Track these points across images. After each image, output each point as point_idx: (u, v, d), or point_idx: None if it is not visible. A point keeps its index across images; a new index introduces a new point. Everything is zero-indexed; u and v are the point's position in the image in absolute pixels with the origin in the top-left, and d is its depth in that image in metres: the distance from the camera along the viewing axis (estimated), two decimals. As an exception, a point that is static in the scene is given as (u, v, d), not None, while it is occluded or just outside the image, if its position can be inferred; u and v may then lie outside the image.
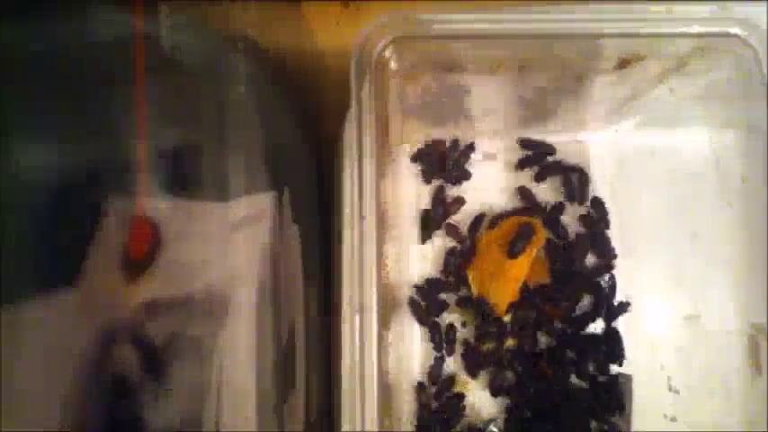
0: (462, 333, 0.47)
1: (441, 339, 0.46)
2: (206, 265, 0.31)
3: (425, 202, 0.49)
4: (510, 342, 0.46)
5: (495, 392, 0.46)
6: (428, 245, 0.49)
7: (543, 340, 0.47)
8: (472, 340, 0.46)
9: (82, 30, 0.29)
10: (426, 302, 0.47)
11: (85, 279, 0.27)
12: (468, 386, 0.46)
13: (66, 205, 0.28)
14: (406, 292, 0.47)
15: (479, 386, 0.46)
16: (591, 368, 0.46)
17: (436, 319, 0.47)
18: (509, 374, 0.46)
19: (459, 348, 0.47)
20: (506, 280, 0.45)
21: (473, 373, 0.46)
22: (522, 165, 0.50)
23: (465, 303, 0.47)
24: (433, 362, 0.46)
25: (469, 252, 0.47)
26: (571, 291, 0.47)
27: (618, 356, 0.46)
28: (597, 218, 0.49)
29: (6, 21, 0.27)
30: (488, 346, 0.46)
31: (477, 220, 0.49)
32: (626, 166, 0.50)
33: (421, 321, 0.47)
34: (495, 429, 0.45)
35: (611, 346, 0.46)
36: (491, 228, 0.48)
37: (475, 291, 0.46)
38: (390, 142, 0.45)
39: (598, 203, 0.49)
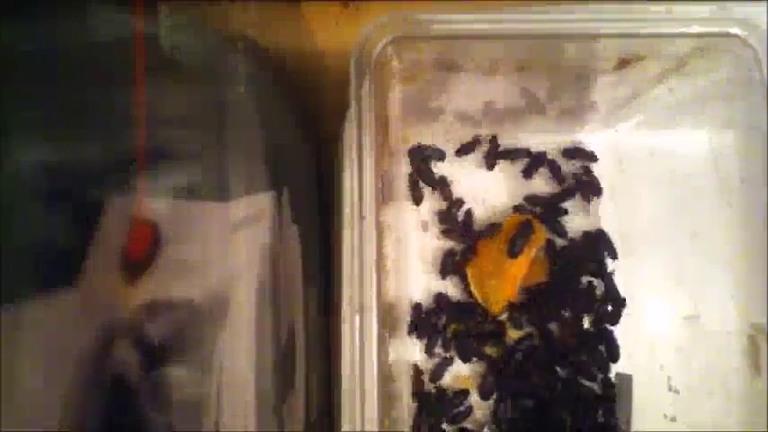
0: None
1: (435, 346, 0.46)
2: (206, 265, 0.31)
3: (425, 201, 0.49)
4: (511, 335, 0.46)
5: (484, 396, 0.46)
6: (428, 244, 0.49)
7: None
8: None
9: (82, 30, 0.29)
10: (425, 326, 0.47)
11: (85, 279, 0.27)
12: (470, 383, 0.46)
13: (66, 205, 0.28)
14: (406, 291, 0.47)
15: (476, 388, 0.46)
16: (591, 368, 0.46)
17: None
18: (500, 377, 0.46)
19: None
20: (505, 279, 0.45)
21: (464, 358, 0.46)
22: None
23: (463, 311, 0.47)
24: (437, 361, 0.46)
25: (469, 250, 0.47)
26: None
27: (614, 357, 0.46)
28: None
29: (6, 20, 0.27)
30: (491, 350, 0.46)
31: (468, 216, 0.49)
32: (626, 166, 0.50)
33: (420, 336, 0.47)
34: None
35: (608, 346, 0.46)
36: (491, 229, 0.48)
37: (473, 289, 0.46)
38: (390, 142, 0.45)
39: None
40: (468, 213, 0.49)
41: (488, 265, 0.46)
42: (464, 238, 0.48)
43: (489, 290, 0.45)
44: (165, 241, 0.29)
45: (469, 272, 0.47)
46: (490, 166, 0.50)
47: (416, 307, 0.47)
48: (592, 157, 0.50)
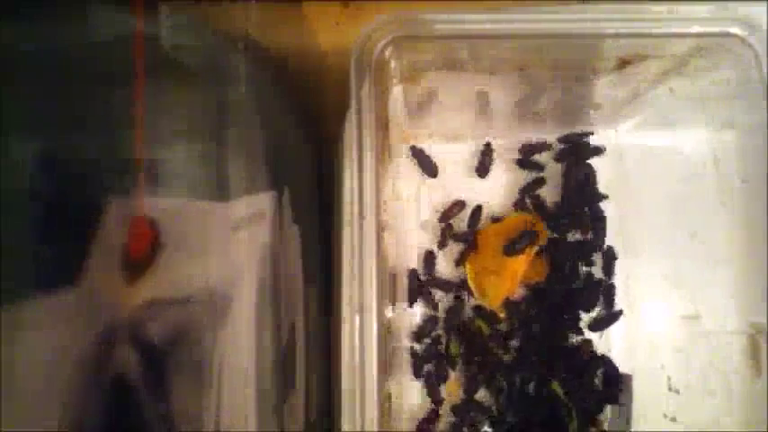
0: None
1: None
2: (206, 264, 0.31)
3: (425, 201, 0.49)
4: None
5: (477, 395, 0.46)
6: (427, 244, 0.49)
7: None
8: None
9: (82, 30, 0.29)
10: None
11: (85, 279, 0.27)
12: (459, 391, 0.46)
13: (66, 205, 0.28)
14: (405, 291, 0.47)
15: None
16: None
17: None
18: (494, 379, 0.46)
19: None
20: (505, 275, 0.45)
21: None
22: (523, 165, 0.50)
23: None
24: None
25: (470, 246, 0.47)
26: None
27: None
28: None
29: (6, 21, 0.27)
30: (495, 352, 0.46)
31: (475, 213, 0.49)
32: (626, 166, 0.50)
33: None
34: None
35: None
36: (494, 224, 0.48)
37: (472, 284, 0.46)
38: (390, 142, 0.45)
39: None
40: (478, 211, 0.48)
41: (488, 260, 0.46)
42: (467, 235, 0.48)
43: (488, 286, 0.45)
44: (165, 241, 0.29)
45: (469, 267, 0.47)
46: (483, 174, 0.50)
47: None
48: (597, 150, 0.50)
